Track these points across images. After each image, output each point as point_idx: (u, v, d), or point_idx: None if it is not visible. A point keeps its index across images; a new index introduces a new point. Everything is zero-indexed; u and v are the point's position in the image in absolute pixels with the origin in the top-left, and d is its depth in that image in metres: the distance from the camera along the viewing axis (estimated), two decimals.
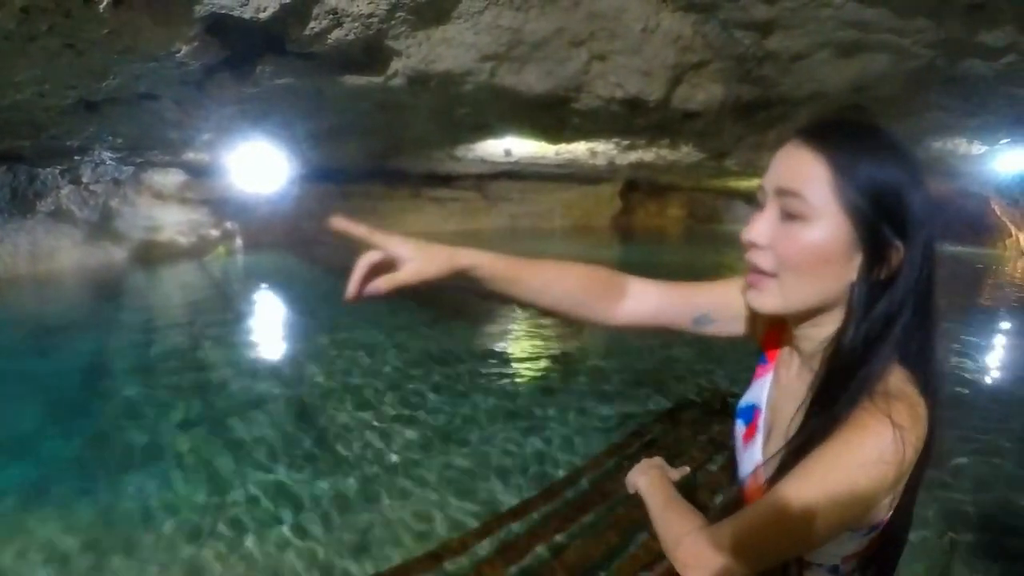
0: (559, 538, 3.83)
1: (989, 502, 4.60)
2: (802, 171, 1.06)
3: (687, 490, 1.37)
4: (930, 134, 13.11)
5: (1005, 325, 11.04)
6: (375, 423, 5.89)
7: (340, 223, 1.19)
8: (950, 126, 12.45)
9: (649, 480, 1.38)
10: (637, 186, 27.36)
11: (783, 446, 1.11)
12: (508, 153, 15.65)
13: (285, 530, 4.20)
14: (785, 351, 1.28)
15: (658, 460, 1.47)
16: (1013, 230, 19.62)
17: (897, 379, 1.04)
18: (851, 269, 1.05)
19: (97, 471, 5.01)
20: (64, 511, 4.39)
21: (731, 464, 1.41)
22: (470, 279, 1.26)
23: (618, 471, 4.65)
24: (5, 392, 6.65)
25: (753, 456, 1.25)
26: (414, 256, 1.17)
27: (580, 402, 6.27)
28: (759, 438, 1.26)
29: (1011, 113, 10.94)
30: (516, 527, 3.97)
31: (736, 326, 1.39)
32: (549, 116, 10.99)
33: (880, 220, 1.02)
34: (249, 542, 4.05)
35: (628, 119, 11.20)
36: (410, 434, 5.64)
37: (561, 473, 4.87)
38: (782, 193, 1.08)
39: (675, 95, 10.06)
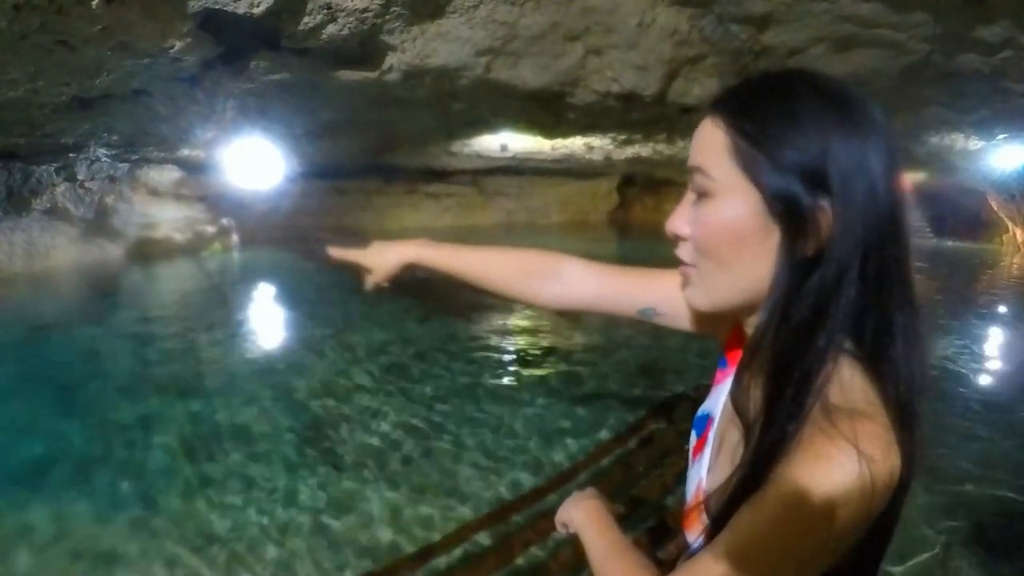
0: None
1: (984, 496, 4.59)
2: (702, 142, 0.95)
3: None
4: (927, 129, 13.08)
5: (1004, 318, 11.07)
6: (369, 415, 5.93)
7: (336, 253, 1.54)
8: (947, 121, 12.39)
9: (587, 517, 1.25)
10: (634, 181, 27.34)
11: (730, 474, 0.92)
12: (504, 148, 15.64)
13: (276, 524, 4.20)
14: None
15: (594, 491, 1.34)
16: (1010, 225, 19.60)
17: (857, 383, 0.86)
18: (771, 247, 0.88)
19: (92, 465, 5.01)
20: (59, 504, 4.40)
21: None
22: (422, 269, 1.50)
23: (617, 466, 4.65)
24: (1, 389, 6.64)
25: (698, 473, 1.09)
26: (373, 262, 1.49)
27: (575, 391, 6.30)
28: (707, 453, 1.08)
29: (1007, 108, 10.91)
30: (509, 524, 3.96)
31: (685, 322, 1.26)
32: (545, 111, 10.96)
33: (789, 176, 0.86)
34: (235, 541, 4.06)
35: (624, 113, 11.18)
36: (404, 423, 5.69)
37: (536, 473, 4.87)
38: (691, 172, 0.96)
39: (671, 89, 10.02)
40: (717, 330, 1.19)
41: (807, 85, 0.89)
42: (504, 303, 9.95)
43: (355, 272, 1.53)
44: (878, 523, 0.82)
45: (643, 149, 16.10)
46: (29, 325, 9.06)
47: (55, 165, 12.68)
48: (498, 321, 9.51)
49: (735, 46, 8.83)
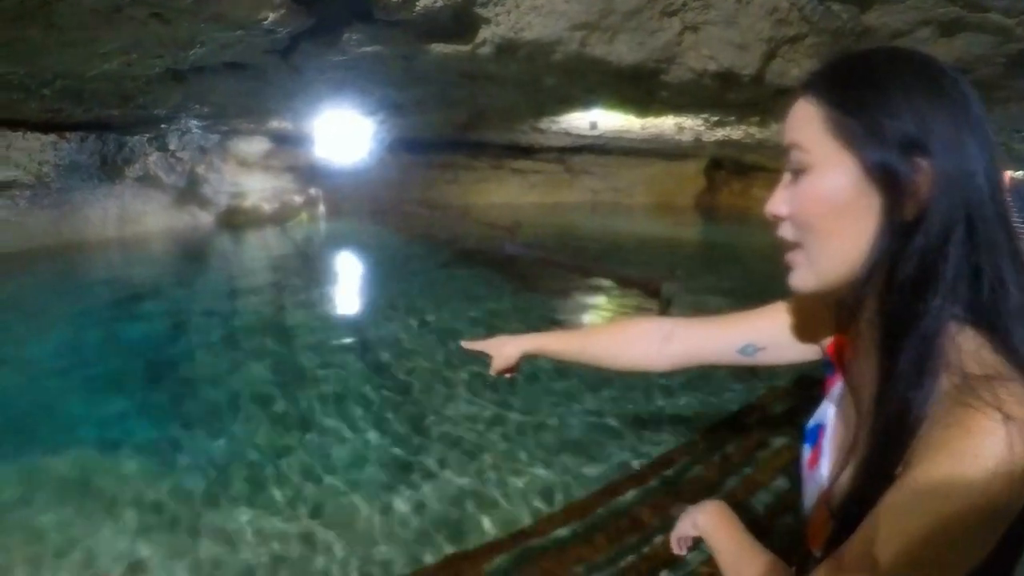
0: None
1: None
2: (797, 119, 0.96)
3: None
4: None
5: None
6: (447, 383, 6.03)
7: (466, 344, 1.73)
8: None
9: (715, 520, 1.25)
10: (722, 165, 26.82)
11: (853, 461, 0.92)
12: (594, 126, 15.47)
13: (351, 483, 4.32)
14: (857, 354, 1.05)
15: (717, 500, 1.34)
16: None
17: (984, 351, 0.81)
18: (872, 214, 0.87)
19: (181, 424, 5.17)
20: (147, 463, 4.56)
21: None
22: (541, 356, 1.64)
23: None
24: (95, 350, 6.79)
25: (818, 482, 1.06)
26: (496, 352, 1.63)
27: (645, 393, 6.10)
28: (824, 462, 1.06)
29: None
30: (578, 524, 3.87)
31: (788, 351, 1.28)
32: (638, 88, 10.78)
33: (886, 142, 0.85)
34: (312, 491, 4.20)
35: (719, 94, 10.93)
36: (480, 395, 5.73)
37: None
38: (787, 150, 0.96)
39: (769, 70, 9.76)
40: (819, 339, 1.20)
41: (897, 57, 0.90)
42: (581, 282, 9.87)
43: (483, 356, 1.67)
44: None
45: (735, 132, 15.74)
46: (122, 287, 9.32)
47: (147, 135, 13.14)
48: (588, 299, 9.41)
49: (836, 26, 8.53)
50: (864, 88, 0.88)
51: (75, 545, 3.72)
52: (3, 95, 8.27)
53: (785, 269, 1.00)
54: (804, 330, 1.23)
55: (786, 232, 0.97)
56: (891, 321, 0.87)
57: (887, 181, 0.85)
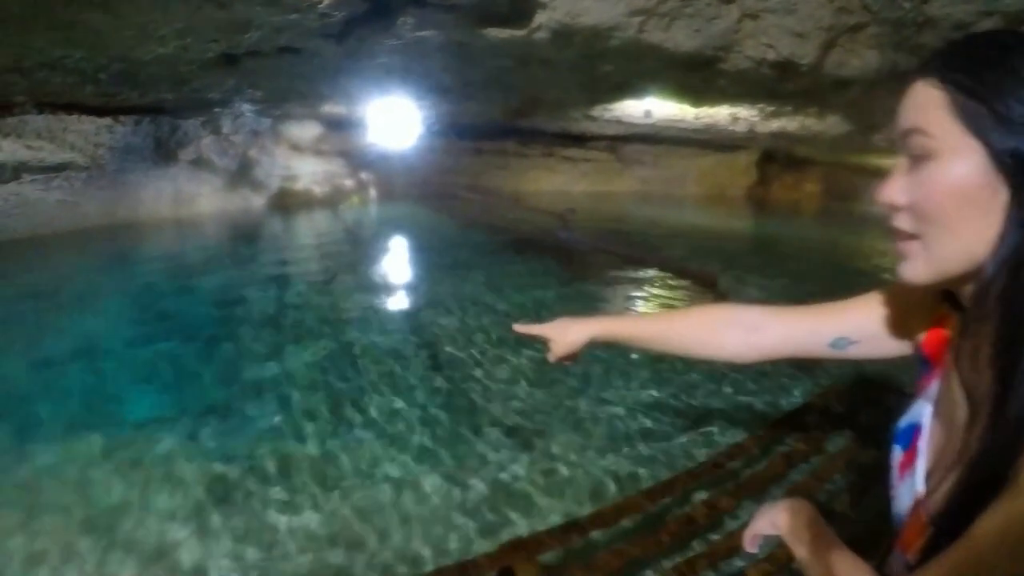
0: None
1: None
2: (918, 101, 0.89)
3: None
4: None
5: None
6: (502, 367, 6.00)
7: (519, 328, 1.63)
8: None
9: (798, 520, 1.17)
10: (773, 157, 26.49)
11: (956, 465, 0.86)
12: (648, 114, 15.38)
13: (404, 466, 4.32)
14: (962, 351, 0.97)
15: (798, 498, 1.24)
16: None
17: None
18: (999, 205, 0.82)
19: (233, 401, 5.22)
20: (195, 441, 4.60)
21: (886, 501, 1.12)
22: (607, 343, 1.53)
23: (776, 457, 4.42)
24: (150, 327, 6.88)
25: (913, 487, 0.98)
26: (556, 337, 1.54)
27: (701, 386, 5.95)
28: (920, 464, 0.99)
29: None
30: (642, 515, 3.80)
31: (883, 345, 1.20)
32: (695, 76, 10.65)
33: (1017, 130, 0.80)
34: (364, 472, 4.11)
35: (777, 83, 10.78)
36: (535, 380, 5.69)
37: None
38: (905, 135, 0.90)
39: (828, 60, 9.60)
40: (914, 333, 1.12)
41: (1015, 36, 0.84)
42: (644, 273, 9.78)
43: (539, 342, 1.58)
44: None
45: (790, 123, 15.52)
46: (177, 265, 9.44)
47: (201, 119, 13.43)
48: (642, 289, 9.31)
49: (897, 16, 8.36)
50: (993, 71, 0.82)
51: (130, 520, 3.72)
52: (60, 79, 8.36)
53: (897, 258, 0.95)
54: (899, 323, 1.16)
55: (902, 222, 0.91)
56: (1016, 320, 0.81)
57: (1017, 170, 0.80)
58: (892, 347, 1.19)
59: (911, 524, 0.95)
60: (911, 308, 1.13)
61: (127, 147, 11.79)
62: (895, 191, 0.91)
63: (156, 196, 13.09)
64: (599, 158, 23.54)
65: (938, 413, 0.99)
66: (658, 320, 1.54)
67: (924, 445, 1.00)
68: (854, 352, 1.24)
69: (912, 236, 0.90)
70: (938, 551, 0.80)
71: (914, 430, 1.03)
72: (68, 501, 3.88)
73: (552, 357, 1.56)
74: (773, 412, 5.40)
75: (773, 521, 1.21)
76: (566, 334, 1.53)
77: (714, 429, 5.06)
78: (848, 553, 1.05)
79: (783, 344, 1.33)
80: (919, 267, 0.91)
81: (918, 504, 0.95)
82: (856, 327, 1.22)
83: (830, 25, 8.71)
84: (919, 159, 0.88)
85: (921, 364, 1.08)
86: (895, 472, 1.06)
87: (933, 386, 1.02)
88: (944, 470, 0.90)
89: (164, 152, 12.97)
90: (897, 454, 1.06)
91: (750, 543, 1.27)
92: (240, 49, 8.21)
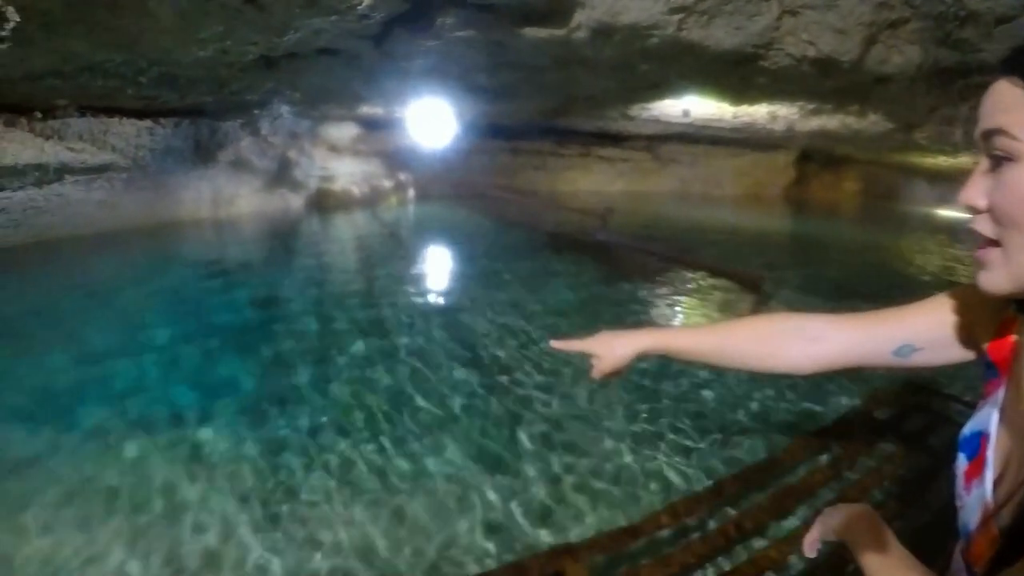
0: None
1: None
2: (1003, 102, 0.85)
3: None
4: None
5: None
6: (543, 370, 5.99)
7: (557, 343, 1.56)
8: None
9: (860, 525, 1.14)
10: (811, 157, 26.19)
11: None
12: (686, 114, 15.31)
13: (449, 466, 4.35)
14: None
15: (868, 507, 1.21)
16: None
17: None
18: None
19: (273, 399, 5.26)
20: (235, 437, 4.64)
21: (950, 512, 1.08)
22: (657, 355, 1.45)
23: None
24: (188, 326, 6.95)
25: (982, 497, 0.94)
26: (602, 354, 1.47)
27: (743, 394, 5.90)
28: (988, 474, 0.95)
29: None
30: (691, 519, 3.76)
31: (948, 351, 1.16)
32: (734, 74, 10.56)
33: None
34: (407, 473, 4.15)
35: (817, 81, 10.65)
36: (576, 385, 5.68)
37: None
38: (988, 136, 0.86)
39: (869, 56, 9.47)
40: (980, 339, 1.09)
41: None
42: (685, 274, 9.71)
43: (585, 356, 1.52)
44: None
45: (830, 121, 15.32)
46: (214, 266, 9.51)
47: (240, 121, 13.53)
48: (683, 290, 9.26)
49: (939, 11, 8.25)
50: None
51: (186, 512, 3.78)
52: (101, 83, 8.43)
53: (975, 266, 0.92)
54: (966, 329, 1.13)
55: (983, 227, 0.88)
56: None
57: None
58: (957, 353, 1.16)
59: (981, 535, 0.91)
60: (977, 313, 1.09)
61: (167, 149, 11.91)
62: (975, 193, 0.88)
63: (196, 197, 13.22)
64: (636, 158, 23.39)
65: (1005, 420, 0.96)
66: (713, 332, 1.45)
67: (992, 453, 0.96)
68: (918, 359, 1.20)
69: (992, 242, 0.87)
70: (1007, 564, 0.78)
71: (980, 438, 0.99)
72: (118, 491, 3.96)
73: (597, 373, 1.49)
74: (817, 417, 5.34)
75: (834, 526, 1.19)
76: (612, 348, 1.46)
77: (758, 435, 5.02)
78: (912, 560, 1.05)
79: (845, 354, 1.28)
80: (1000, 277, 0.87)
81: (987, 515, 0.91)
82: (921, 333, 1.18)
83: (871, 21, 8.60)
84: (1001, 161, 0.84)
85: (987, 370, 1.05)
86: (960, 481, 1.02)
87: (1000, 392, 0.99)
88: (1014, 479, 0.88)
89: (204, 154, 13.10)
90: (962, 463, 1.02)
91: (810, 548, 1.25)
92: (278, 51, 8.24)
